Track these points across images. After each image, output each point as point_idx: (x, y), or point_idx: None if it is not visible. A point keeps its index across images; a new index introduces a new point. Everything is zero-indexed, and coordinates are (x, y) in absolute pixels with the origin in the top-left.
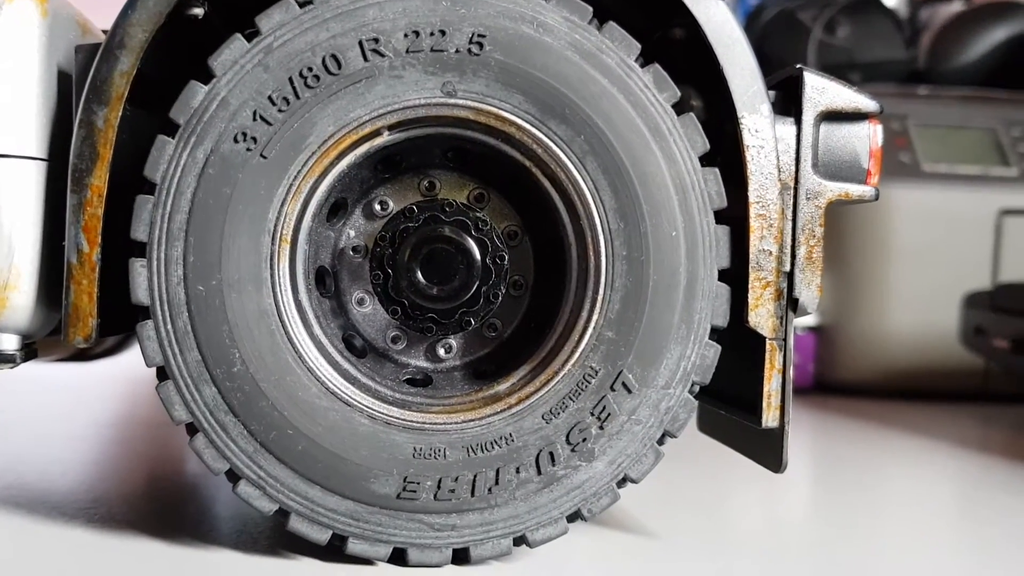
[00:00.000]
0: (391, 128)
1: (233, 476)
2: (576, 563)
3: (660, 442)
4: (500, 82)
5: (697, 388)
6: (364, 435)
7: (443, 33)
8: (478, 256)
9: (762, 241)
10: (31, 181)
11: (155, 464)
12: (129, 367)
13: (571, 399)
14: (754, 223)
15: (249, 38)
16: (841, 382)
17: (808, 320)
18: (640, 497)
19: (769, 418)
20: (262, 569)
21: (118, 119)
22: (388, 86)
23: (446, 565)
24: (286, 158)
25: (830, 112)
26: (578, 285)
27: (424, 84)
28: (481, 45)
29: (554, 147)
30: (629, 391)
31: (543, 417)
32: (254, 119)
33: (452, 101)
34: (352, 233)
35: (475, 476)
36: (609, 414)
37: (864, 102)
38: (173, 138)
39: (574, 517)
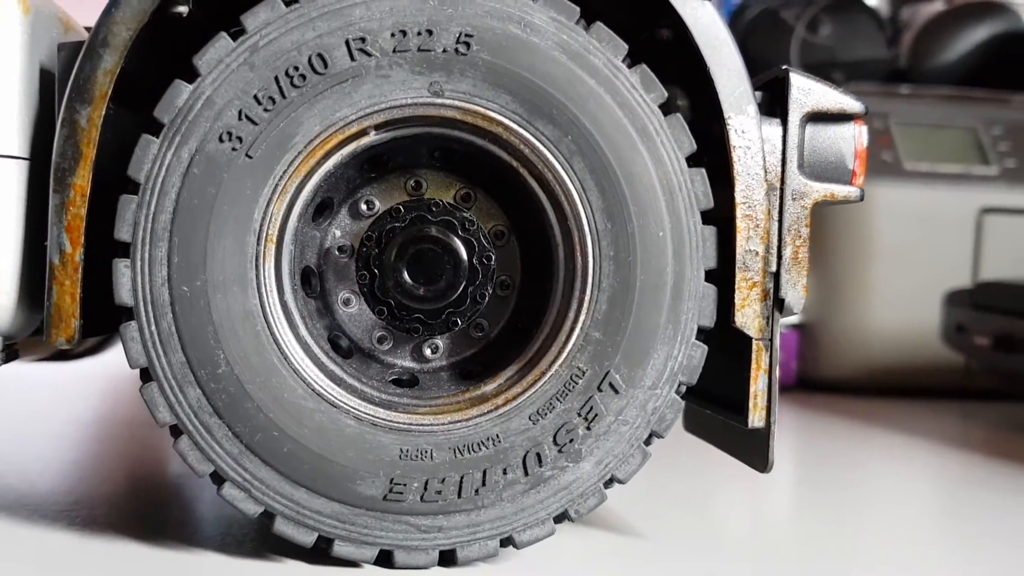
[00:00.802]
0: (378, 128)
1: (218, 478)
2: (563, 564)
3: (647, 442)
4: (487, 82)
5: (684, 388)
6: (350, 436)
7: (430, 33)
8: (465, 256)
9: (748, 242)
10: (12, 181)
11: (137, 464)
12: (110, 365)
13: (558, 400)
14: (741, 224)
15: (234, 37)
16: (824, 380)
17: (791, 318)
18: (627, 497)
19: (755, 418)
20: (247, 572)
21: (101, 118)
22: (375, 86)
23: (433, 567)
24: (272, 158)
25: (816, 113)
26: (565, 285)
27: (411, 84)
28: (468, 45)
29: (541, 147)
30: (616, 392)
31: (530, 418)
32: (239, 118)
33: (439, 101)
34: (338, 233)
35: (462, 477)
36: (596, 415)
37: (850, 103)
38: (157, 137)
39: (561, 518)
